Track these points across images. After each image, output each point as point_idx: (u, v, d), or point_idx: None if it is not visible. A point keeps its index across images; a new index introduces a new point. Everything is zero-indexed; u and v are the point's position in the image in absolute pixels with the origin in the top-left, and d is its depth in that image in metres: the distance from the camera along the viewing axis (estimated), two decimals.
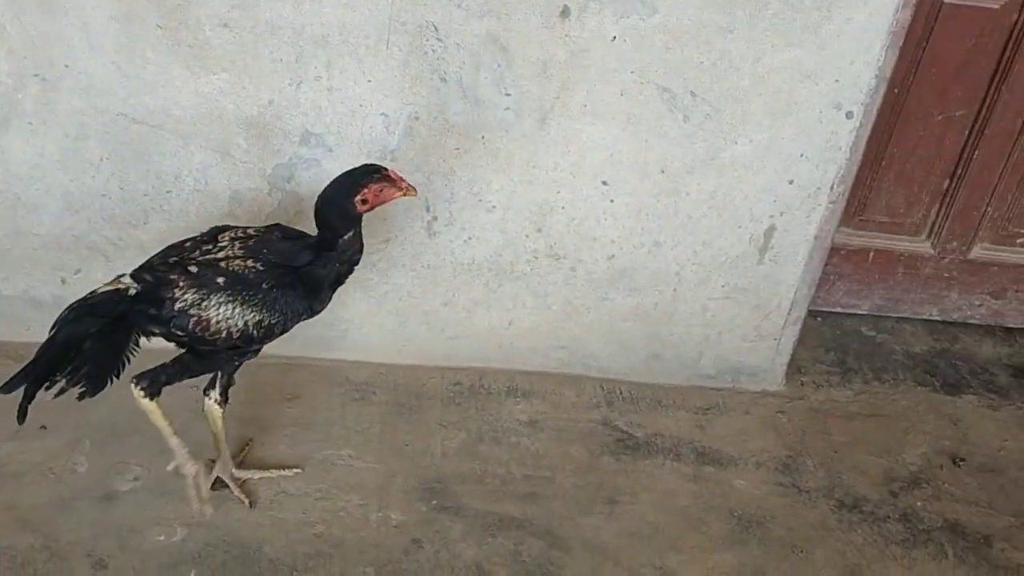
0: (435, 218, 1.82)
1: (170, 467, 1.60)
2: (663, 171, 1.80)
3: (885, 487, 1.91)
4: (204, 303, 1.46)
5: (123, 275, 1.49)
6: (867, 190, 2.14)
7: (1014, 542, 1.83)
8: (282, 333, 1.55)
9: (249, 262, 1.50)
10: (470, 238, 1.85)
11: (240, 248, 1.51)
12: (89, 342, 1.44)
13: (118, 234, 1.81)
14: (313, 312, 1.56)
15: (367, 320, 1.95)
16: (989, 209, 2.19)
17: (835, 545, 1.78)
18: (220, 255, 1.50)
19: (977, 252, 2.26)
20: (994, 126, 2.07)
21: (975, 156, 2.11)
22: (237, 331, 1.48)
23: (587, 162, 1.78)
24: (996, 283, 2.30)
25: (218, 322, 1.47)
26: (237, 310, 1.48)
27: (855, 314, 2.34)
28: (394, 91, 1.68)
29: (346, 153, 1.73)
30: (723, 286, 1.95)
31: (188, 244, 1.54)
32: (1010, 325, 2.38)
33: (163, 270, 1.49)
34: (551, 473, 1.83)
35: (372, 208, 1.50)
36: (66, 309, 1.47)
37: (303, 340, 1.93)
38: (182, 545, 1.60)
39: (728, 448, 1.95)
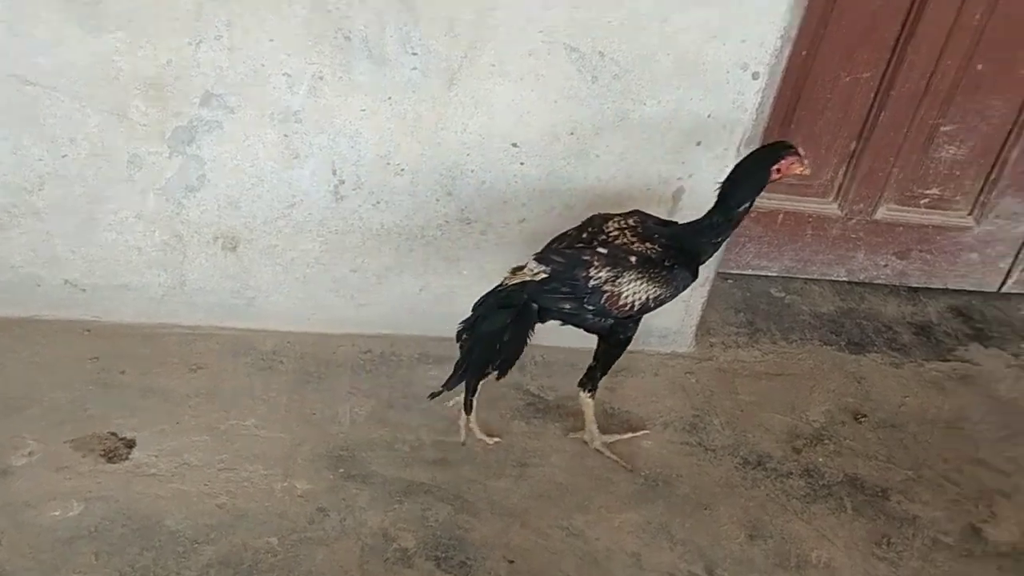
0: (342, 182, 1.78)
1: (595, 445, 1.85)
2: (572, 133, 1.79)
3: (789, 444, 1.96)
4: (617, 280, 1.64)
5: (524, 265, 1.65)
6: None
7: (910, 494, 1.90)
8: (660, 306, 1.72)
9: (647, 244, 1.67)
10: (379, 202, 1.82)
11: (631, 234, 1.68)
12: (507, 332, 1.64)
13: (12, 200, 1.73)
14: (688, 285, 1.74)
15: (274, 288, 1.90)
16: (894, 170, 2.23)
17: (738, 501, 1.82)
18: (619, 240, 1.67)
19: (882, 213, 2.31)
20: (899, 88, 2.10)
21: (881, 118, 2.14)
22: (640, 304, 1.67)
23: (496, 124, 1.76)
24: (901, 243, 2.36)
25: (627, 296, 1.65)
26: (644, 286, 1.66)
27: (765, 276, 2.38)
28: (297, 50, 1.63)
29: (248, 115, 1.68)
30: None
31: (572, 233, 1.71)
32: (913, 285, 2.44)
33: (574, 253, 1.65)
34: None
35: (778, 180, 1.69)
36: (479, 304, 1.67)
37: (207, 308, 1.90)
38: (79, 520, 1.56)
39: (637, 409, 1.97)
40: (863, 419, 2.05)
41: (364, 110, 1.70)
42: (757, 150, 1.72)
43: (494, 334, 1.64)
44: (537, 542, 1.67)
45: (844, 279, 2.41)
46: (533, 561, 1.64)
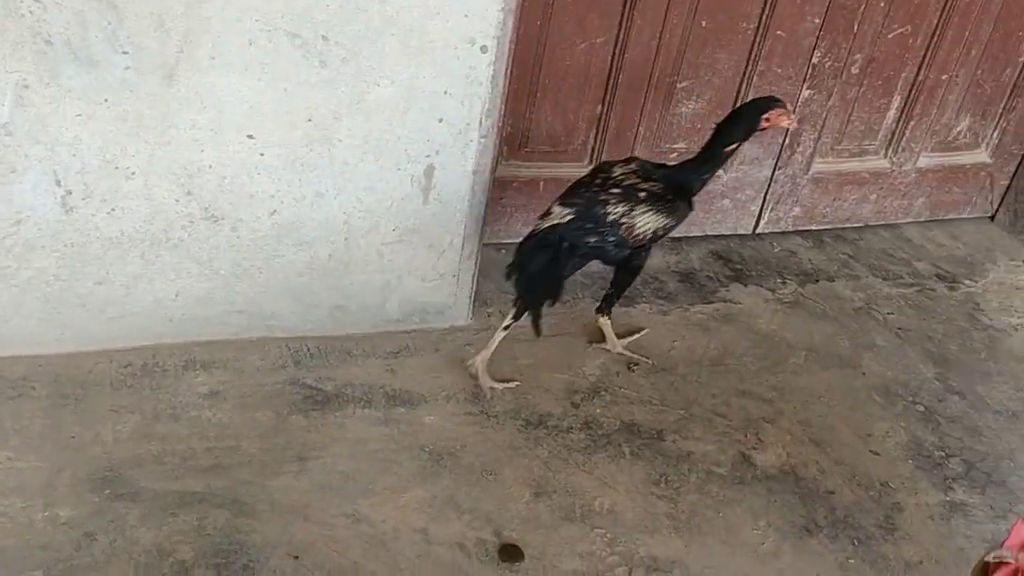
0: (69, 192, 1.69)
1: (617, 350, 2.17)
2: (310, 119, 1.77)
3: (567, 400, 2.03)
4: (632, 212, 1.88)
5: (550, 210, 1.90)
6: (528, 122, 2.23)
7: (683, 432, 2.01)
8: (667, 235, 1.98)
9: (650, 183, 1.91)
10: (113, 209, 1.74)
11: (635, 176, 1.92)
12: (550, 268, 1.89)
13: None
14: (686, 216, 1.99)
15: (13, 311, 1.79)
16: (641, 129, 2.34)
17: (522, 462, 1.87)
18: (627, 181, 1.91)
19: None
20: (632, 50, 2.21)
21: (620, 80, 2.24)
22: (651, 232, 1.91)
23: (227, 117, 1.72)
24: None
25: (641, 226, 1.89)
26: (653, 216, 1.89)
27: None
28: None
29: None
30: (394, 229, 1.96)
31: (586, 180, 1.94)
32: (675, 235, 2.54)
33: (592, 195, 1.89)
34: (236, 442, 1.79)
35: (766, 130, 1.92)
36: (521, 248, 1.92)
37: None
38: None
39: (418, 387, 1.98)
40: (635, 367, 2.14)
41: (80, 115, 1.62)
42: (751, 101, 2.04)
43: (541, 272, 1.89)
44: (321, 534, 1.65)
45: None
46: (319, 554, 1.62)
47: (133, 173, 1.72)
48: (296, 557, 1.61)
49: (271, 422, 1.84)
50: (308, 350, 2.01)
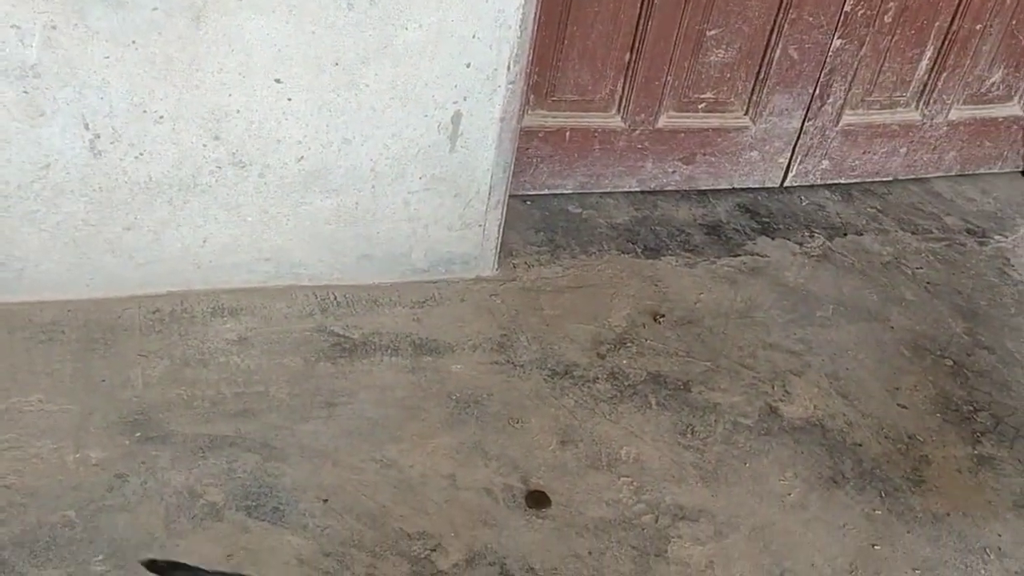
0: (97, 136, 1.69)
1: None
2: (337, 63, 1.75)
3: (593, 351, 2.02)
4: None
5: None
6: (555, 71, 2.20)
7: (710, 384, 2.00)
8: None
9: None
10: (141, 154, 1.73)
11: None
12: None
13: None
14: None
15: (42, 256, 1.79)
16: (669, 78, 2.30)
17: (549, 411, 1.87)
18: None
19: (664, 121, 2.38)
20: None
21: (650, 28, 2.20)
22: None
23: (255, 60, 1.70)
24: (685, 149, 2.45)
25: None
26: None
27: (561, 194, 2.42)
28: (20, 0, 1.53)
29: None
30: (420, 178, 1.95)
31: None
32: (702, 188, 2.55)
33: None
34: (264, 387, 1.79)
35: None
36: None
37: None
38: None
39: (445, 336, 1.98)
40: (662, 319, 2.13)
41: (108, 57, 1.61)
42: None
43: None
44: (350, 478, 1.67)
45: (636, 189, 2.48)
46: (348, 497, 1.63)
47: (161, 117, 1.71)
48: (325, 500, 1.62)
49: (299, 368, 1.84)
50: (335, 298, 2.01)
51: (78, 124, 1.67)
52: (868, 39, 2.42)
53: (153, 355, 1.81)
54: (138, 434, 1.66)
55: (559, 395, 1.91)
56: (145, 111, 1.69)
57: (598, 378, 1.96)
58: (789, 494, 1.80)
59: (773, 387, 2.02)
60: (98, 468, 1.59)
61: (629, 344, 2.06)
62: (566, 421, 1.85)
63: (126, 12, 1.58)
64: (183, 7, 1.61)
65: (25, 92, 1.61)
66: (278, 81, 1.74)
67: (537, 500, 1.70)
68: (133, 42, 1.62)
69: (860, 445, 1.92)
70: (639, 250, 2.32)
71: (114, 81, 1.64)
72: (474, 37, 1.81)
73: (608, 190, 2.46)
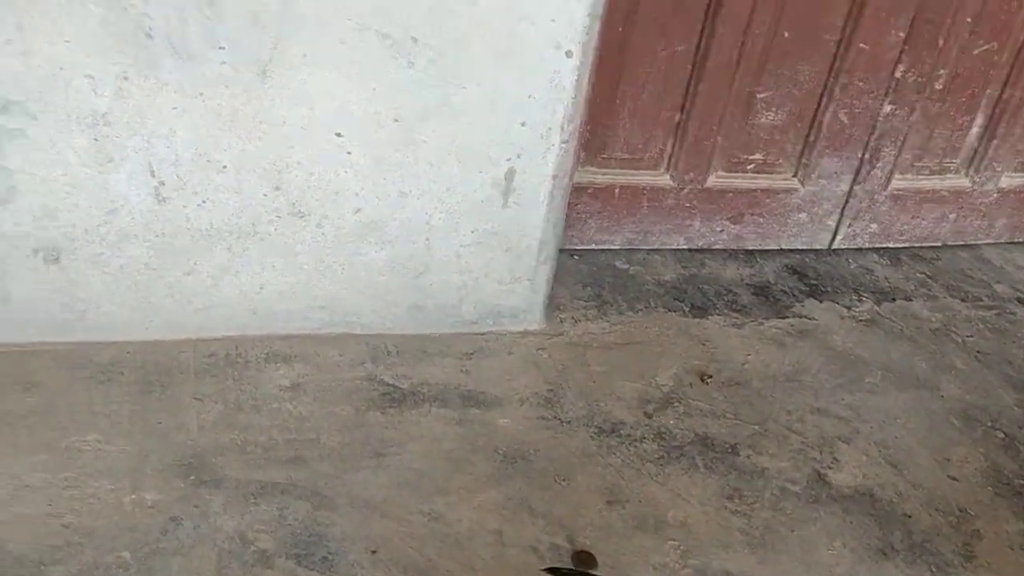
0: (162, 183, 1.73)
1: None
2: (397, 120, 1.79)
3: (640, 409, 2.01)
4: None
5: None
6: (606, 129, 2.23)
7: (757, 448, 1.98)
8: None
9: None
10: (204, 201, 1.78)
11: None
12: None
13: None
14: None
15: (105, 298, 1.83)
16: (719, 139, 2.33)
17: (595, 469, 1.86)
18: None
19: (713, 181, 2.40)
20: (714, 59, 2.19)
21: (700, 89, 2.23)
22: None
23: (317, 114, 1.75)
24: (733, 209, 2.46)
25: None
26: None
27: (608, 249, 2.44)
28: (97, 51, 1.58)
29: (53, 120, 1.61)
30: (473, 232, 1.97)
31: None
32: (749, 247, 2.55)
33: None
34: (316, 435, 1.80)
35: None
36: None
37: (37, 324, 1.82)
38: None
39: (492, 389, 1.99)
40: (709, 379, 2.12)
41: (176, 108, 1.66)
42: None
43: None
44: (399, 530, 1.66)
45: (684, 247, 2.49)
46: (396, 550, 1.63)
47: (224, 167, 1.75)
48: (374, 552, 1.61)
49: (350, 417, 1.86)
50: (386, 348, 2.03)
51: (145, 171, 1.72)
52: (919, 105, 2.44)
53: (208, 399, 1.83)
54: (192, 477, 1.68)
55: (606, 453, 1.90)
56: (209, 160, 1.74)
57: (645, 438, 1.95)
58: (837, 564, 1.76)
59: (821, 453, 2.00)
60: (153, 510, 1.61)
61: (676, 404, 2.05)
62: (613, 480, 1.84)
63: (195, 65, 1.64)
64: (250, 61, 1.66)
65: (95, 140, 1.67)
66: (339, 135, 1.78)
67: (583, 561, 1.68)
68: (201, 94, 1.67)
69: (910, 517, 1.89)
70: (686, 308, 2.32)
71: (181, 131, 1.69)
72: (530, 97, 1.84)
73: (655, 247, 2.47)
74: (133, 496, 1.63)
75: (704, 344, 2.22)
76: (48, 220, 1.71)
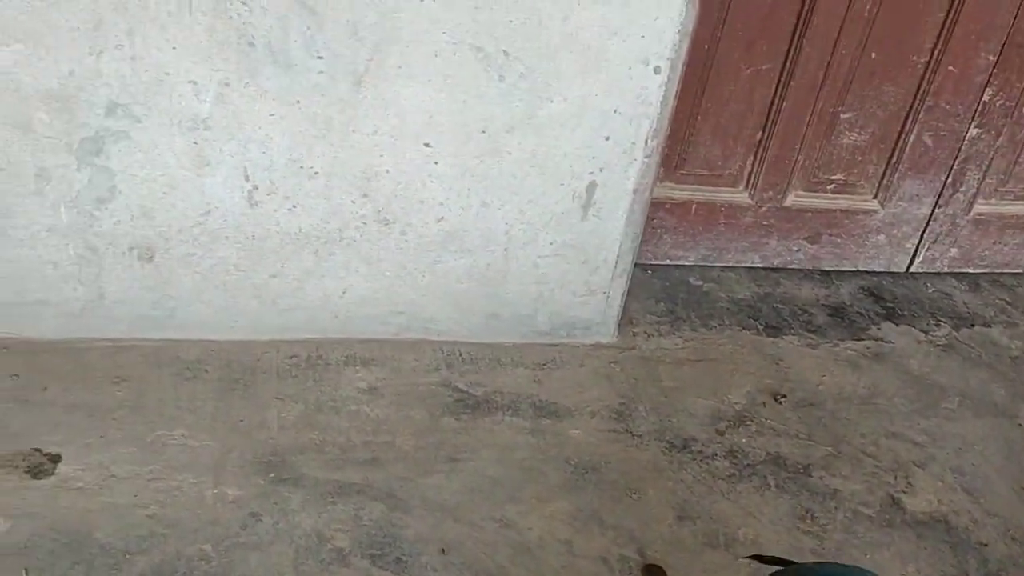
0: (255, 187, 1.79)
1: None
2: (484, 131, 1.82)
3: (712, 426, 2.01)
4: None
5: None
6: (685, 145, 2.23)
7: (831, 469, 1.96)
8: None
9: None
10: (294, 206, 1.82)
11: None
12: None
13: None
14: None
15: (194, 296, 1.89)
16: (800, 158, 2.31)
17: (666, 484, 1.86)
18: None
19: (792, 200, 2.39)
20: (799, 78, 2.18)
21: (783, 108, 2.22)
22: None
23: (408, 125, 1.78)
24: (811, 228, 2.44)
25: None
26: None
27: (683, 265, 2.44)
28: (201, 57, 1.64)
29: (156, 124, 1.68)
30: (551, 243, 1.99)
31: None
32: (826, 268, 2.53)
33: None
34: (391, 437, 1.84)
35: None
36: None
37: (128, 320, 1.89)
38: (7, 537, 1.53)
39: (564, 400, 2.00)
40: (783, 399, 2.11)
41: (273, 115, 1.71)
42: None
43: None
44: (471, 535, 1.69)
45: (759, 265, 2.48)
46: (467, 553, 1.65)
47: (316, 173, 1.80)
48: (446, 554, 1.64)
49: (424, 421, 1.89)
50: (460, 355, 2.06)
51: (239, 175, 1.77)
52: (1005, 130, 2.39)
53: (289, 399, 1.88)
54: (272, 475, 1.72)
55: (677, 469, 1.90)
56: (302, 166, 1.79)
57: (717, 455, 1.95)
58: None
59: (896, 478, 1.97)
60: (234, 505, 1.66)
61: (748, 422, 2.04)
62: (683, 496, 1.84)
63: (294, 74, 1.69)
64: (346, 72, 1.71)
65: (194, 143, 1.72)
66: (427, 145, 1.81)
67: (653, 574, 1.69)
68: (297, 102, 1.72)
69: (986, 545, 1.86)
70: (760, 327, 2.31)
71: (276, 137, 1.74)
72: (615, 112, 1.85)
73: (730, 264, 2.46)
74: (215, 491, 1.68)
75: (778, 363, 2.21)
76: (145, 220, 1.78)
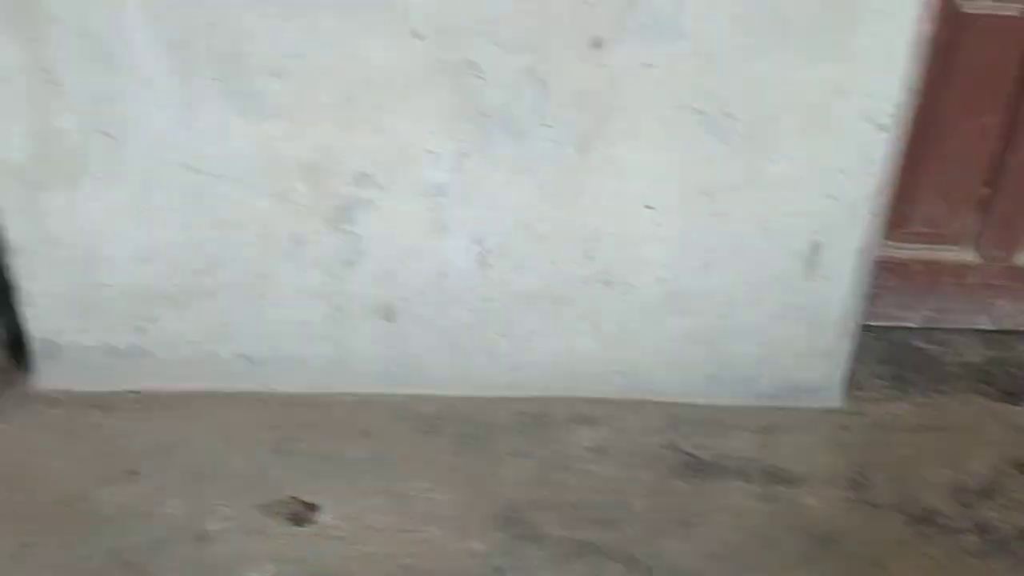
0: (488, 251, 1.87)
1: None
2: (705, 193, 1.84)
3: (955, 499, 1.89)
4: None
5: None
6: (906, 202, 2.16)
7: None
8: None
9: None
10: (522, 268, 1.89)
11: None
12: None
13: (187, 281, 1.87)
14: None
15: (429, 355, 1.99)
16: None
17: (912, 559, 1.76)
18: None
19: (1023, 259, 2.27)
20: None
21: (1010, 162, 2.13)
22: None
23: (631, 188, 1.83)
24: None
25: None
26: None
27: (905, 327, 2.33)
28: (440, 129, 1.75)
29: (398, 192, 1.80)
30: (774, 304, 1.96)
31: None
32: None
33: None
34: (623, 497, 1.84)
35: None
36: None
37: (371, 376, 2.00)
38: None
39: (795, 466, 1.94)
40: None
41: (505, 182, 1.80)
42: None
43: None
44: None
45: (988, 327, 2.34)
46: None
47: (543, 236, 1.86)
48: None
49: (654, 483, 1.87)
50: (682, 416, 2.03)
51: (472, 239, 1.86)
52: None
53: (521, 455, 1.91)
54: (512, 530, 1.75)
55: (922, 543, 1.79)
56: (530, 230, 1.86)
57: (964, 529, 1.82)
58: None
59: None
60: (480, 559, 1.69)
61: (996, 495, 1.90)
62: (931, 572, 1.73)
63: (525, 142, 1.77)
64: (572, 138, 1.78)
65: (432, 209, 1.83)
66: (649, 207, 1.85)
67: None
68: (528, 168, 1.80)
69: None
70: (995, 393, 2.17)
71: (507, 202, 1.83)
72: (839, 171, 1.83)
73: (956, 326, 2.34)
74: (460, 544, 1.72)
75: (1021, 433, 2.06)
76: (388, 281, 1.89)
